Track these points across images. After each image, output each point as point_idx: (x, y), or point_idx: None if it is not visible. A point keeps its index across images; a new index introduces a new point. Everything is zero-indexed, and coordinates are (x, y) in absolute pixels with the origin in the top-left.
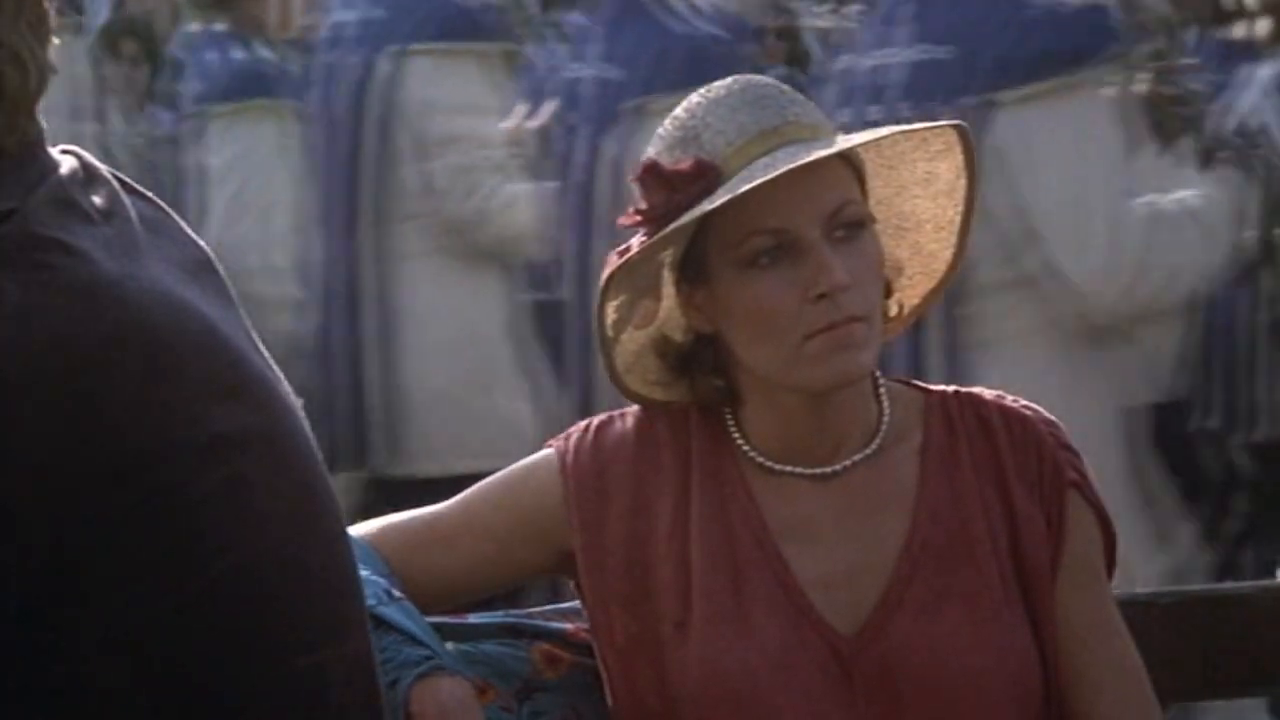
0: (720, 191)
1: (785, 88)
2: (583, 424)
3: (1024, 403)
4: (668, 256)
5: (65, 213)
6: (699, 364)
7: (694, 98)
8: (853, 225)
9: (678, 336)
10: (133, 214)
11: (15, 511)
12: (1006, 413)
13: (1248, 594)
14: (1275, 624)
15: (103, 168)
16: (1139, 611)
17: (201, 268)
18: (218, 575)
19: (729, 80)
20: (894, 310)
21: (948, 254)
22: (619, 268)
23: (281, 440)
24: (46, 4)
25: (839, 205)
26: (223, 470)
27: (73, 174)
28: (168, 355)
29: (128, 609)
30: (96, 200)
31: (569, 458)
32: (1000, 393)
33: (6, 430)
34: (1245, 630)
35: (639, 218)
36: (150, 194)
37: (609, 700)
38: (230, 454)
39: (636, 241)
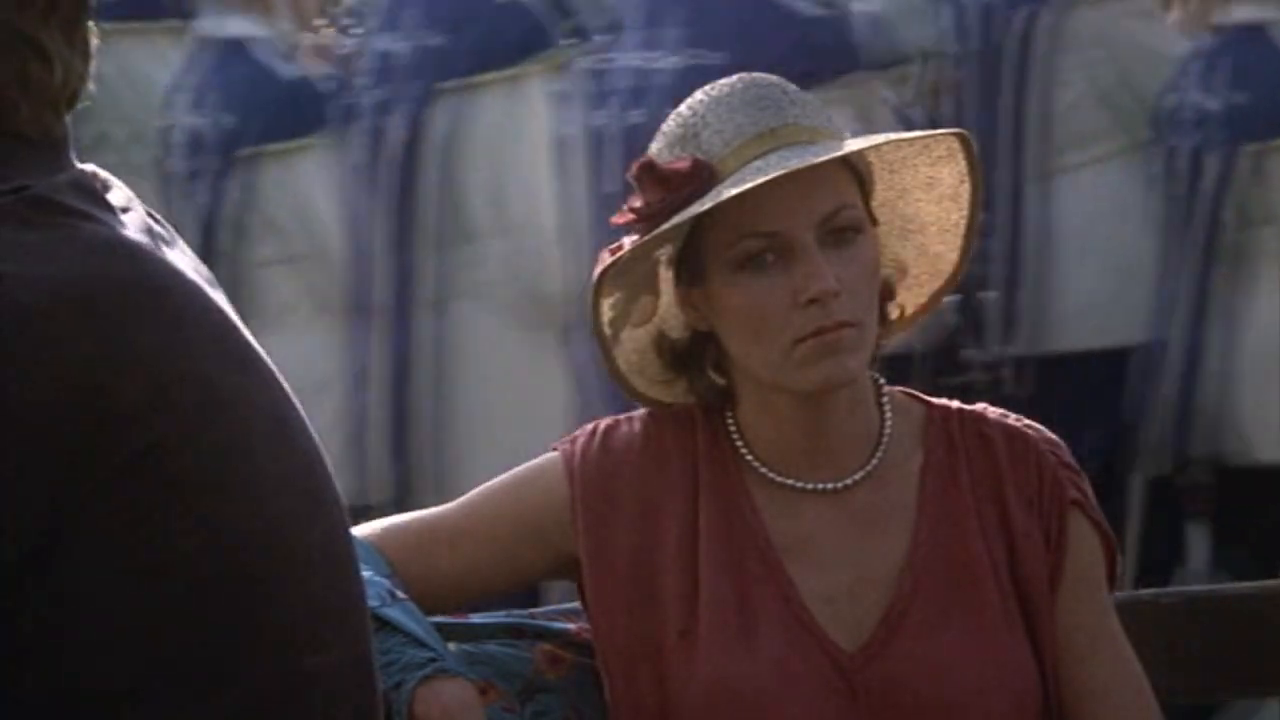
0: (711, 194)
1: (789, 88)
2: (589, 427)
3: (1026, 421)
4: (664, 253)
5: (84, 195)
6: (697, 362)
7: (698, 94)
8: (848, 230)
9: (675, 334)
10: (148, 221)
11: (27, 436)
12: (1008, 431)
13: (1248, 594)
14: (1275, 624)
15: (122, 185)
16: (1140, 611)
17: (209, 282)
18: (216, 536)
19: (733, 78)
20: (895, 313)
21: (953, 256)
22: (610, 265)
23: (285, 422)
24: (85, 12)
25: (834, 210)
26: (227, 431)
27: (93, 174)
28: (179, 315)
29: (124, 560)
30: (114, 199)
31: (575, 461)
32: (1004, 411)
33: (28, 355)
34: (1246, 630)
35: (633, 215)
36: (161, 218)
37: (609, 703)
38: (235, 418)
39: (629, 239)
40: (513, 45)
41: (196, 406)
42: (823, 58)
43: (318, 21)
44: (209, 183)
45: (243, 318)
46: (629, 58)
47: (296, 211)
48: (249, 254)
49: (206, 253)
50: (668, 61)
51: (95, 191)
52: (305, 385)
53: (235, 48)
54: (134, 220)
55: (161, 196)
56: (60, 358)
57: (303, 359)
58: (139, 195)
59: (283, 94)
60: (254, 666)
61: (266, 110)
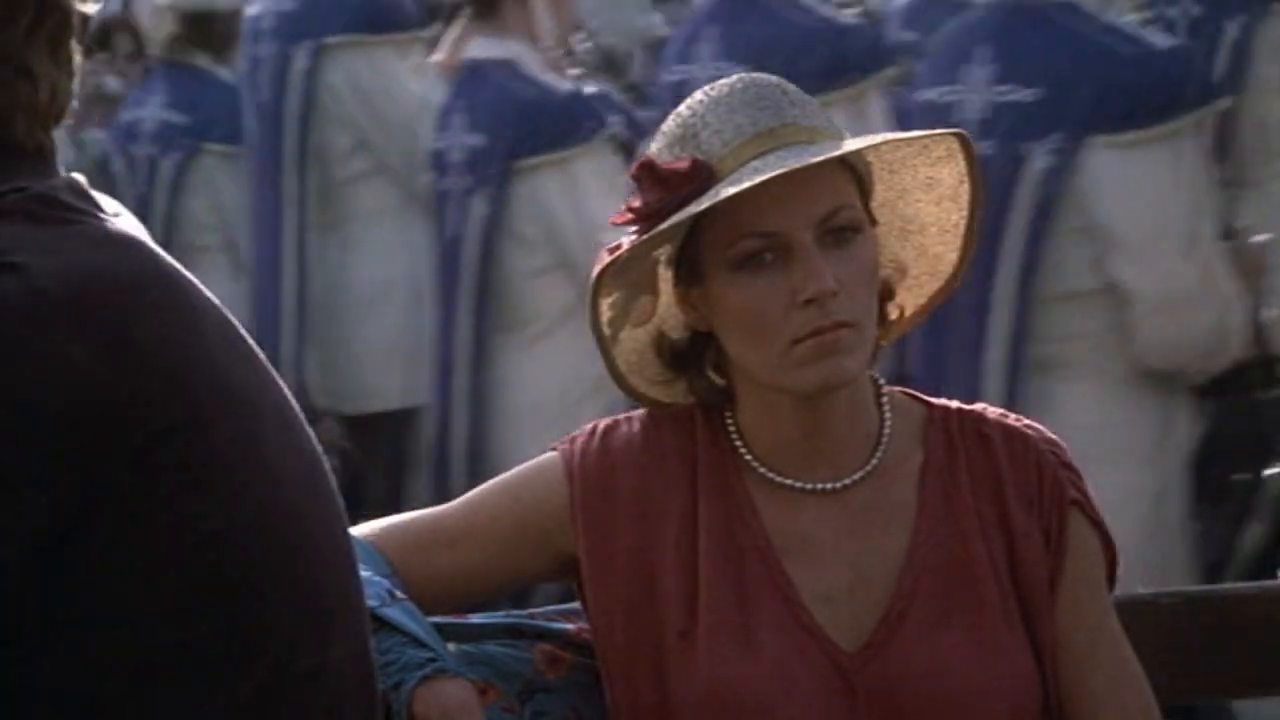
0: (710, 194)
1: (789, 88)
2: (589, 427)
3: (1026, 421)
4: (663, 253)
5: (81, 196)
6: (696, 362)
7: (697, 94)
8: (847, 230)
9: (674, 334)
10: (138, 223)
11: (45, 423)
12: (1008, 431)
13: (1248, 594)
14: (1275, 624)
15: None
16: (1139, 611)
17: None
18: (231, 523)
19: (733, 78)
20: (894, 314)
21: (953, 257)
22: (609, 265)
23: (289, 419)
24: (70, 33)
25: (832, 210)
26: (241, 421)
27: (83, 181)
28: (189, 307)
29: (139, 546)
30: (105, 204)
31: (575, 461)
32: (1003, 410)
33: (47, 342)
34: (1245, 630)
35: (631, 215)
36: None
37: (608, 703)
38: (247, 409)
39: (628, 239)
40: (816, 74)
41: (208, 394)
42: (1138, 98)
43: (568, 38)
44: (471, 196)
45: (509, 327)
46: (926, 93)
47: (562, 220)
48: (515, 265)
49: (476, 263)
50: (971, 97)
51: (89, 194)
52: (573, 394)
53: (492, 66)
54: (129, 221)
55: (424, 209)
56: (77, 346)
57: (573, 368)
58: (391, 205)
59: (544, 108)
60: (262, 660)
61: (529, 125)
